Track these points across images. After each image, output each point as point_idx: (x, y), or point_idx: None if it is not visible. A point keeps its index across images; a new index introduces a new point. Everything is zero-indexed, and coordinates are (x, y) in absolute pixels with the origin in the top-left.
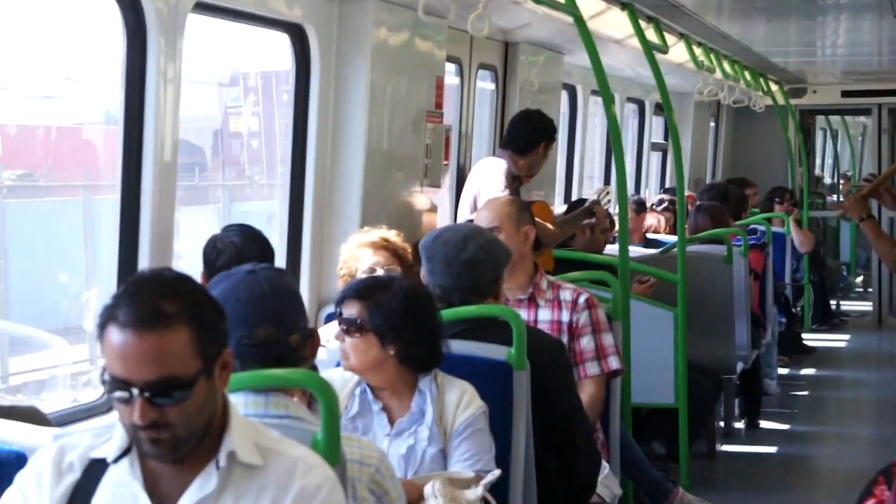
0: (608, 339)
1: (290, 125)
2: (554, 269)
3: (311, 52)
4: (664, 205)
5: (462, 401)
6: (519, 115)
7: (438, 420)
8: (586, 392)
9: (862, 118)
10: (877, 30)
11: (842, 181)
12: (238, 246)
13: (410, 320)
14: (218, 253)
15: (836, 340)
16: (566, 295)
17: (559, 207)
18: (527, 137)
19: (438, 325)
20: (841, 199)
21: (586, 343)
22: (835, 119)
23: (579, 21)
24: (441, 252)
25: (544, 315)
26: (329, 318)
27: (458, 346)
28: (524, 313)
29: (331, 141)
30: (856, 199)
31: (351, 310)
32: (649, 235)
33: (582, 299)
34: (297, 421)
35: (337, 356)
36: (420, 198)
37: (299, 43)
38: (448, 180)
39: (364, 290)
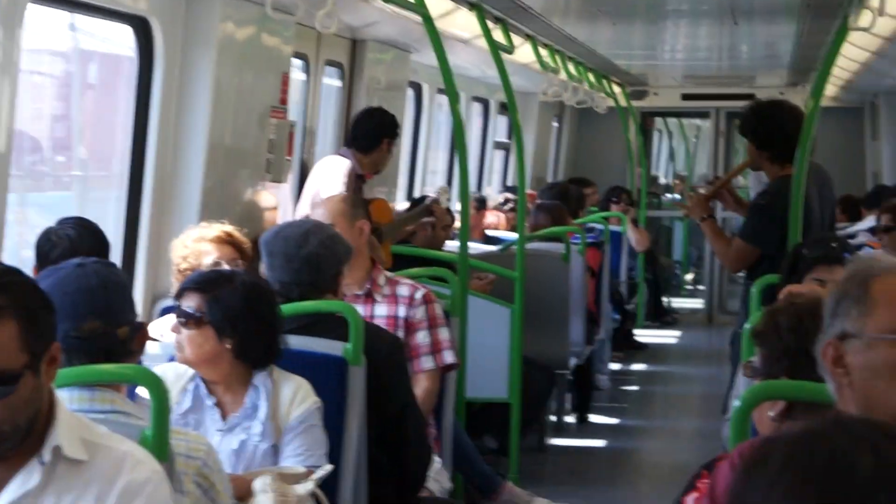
0: (444, 334)
1: (130, 118)
2: (395, 265)
3: (155, 45)
4: (510, 204)
5: (297, 396)
6: (362, 112)
7: (272, 415)
8: (420, 386)
9: (697, 120)
10: (717, 35)
11: (676, 181)
12: (73, 239)
13: (249, 315)
14: (52, 246)
15: (668, 337)
16: (403, 290)
17: (402, 204)
18: (370, 135)
19: (278, 322)
20: (677, 197)
21: (422, 338)
22: (671, 121)
23: (427, 20)
24: (282, 247)
25: (381, 310)
26: (164, 312)
27: (296, 342)
28: (361, 309)
29: (173, 135)
30: (700, 199)
31: (190, 302)
32: (489, 233)
33: (419, 295)
34: (124, 416)
35: (171, 351)
36: (262, 193)
37: (143, 36)
38: (291, 176)
39: (205, 283)
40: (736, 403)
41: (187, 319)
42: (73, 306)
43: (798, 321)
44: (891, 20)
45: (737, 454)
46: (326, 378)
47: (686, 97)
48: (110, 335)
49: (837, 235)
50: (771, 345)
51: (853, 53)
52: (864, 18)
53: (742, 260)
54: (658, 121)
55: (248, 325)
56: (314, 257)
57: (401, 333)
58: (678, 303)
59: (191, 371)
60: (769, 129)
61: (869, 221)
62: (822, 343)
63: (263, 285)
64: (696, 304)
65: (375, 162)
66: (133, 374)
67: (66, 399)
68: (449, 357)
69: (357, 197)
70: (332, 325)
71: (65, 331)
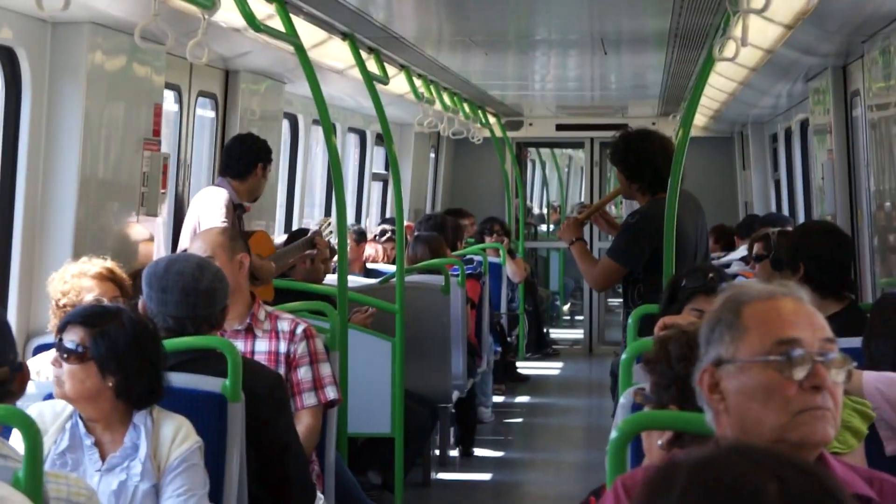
0: (326, 370)
1: None
2: (275, 299)
3: (21, 76)
4: (387, 235)
5: (178, 436)
6: (233, 139)
7: (153, 455)
8: (303, 423)
9: (569, 150)
10: (587, 65)
11: (551, 211)
12: None
13: (136, 353)
14: None
15: (550, 368)
16: (284, 325)
17: (280, 237)
18: (243, 160)
19: (162, 361)
20: (551, 227)
21: (304, 373)
22: (544, 150)
23: (300, 50)
24: (178, 282)
25: (262, 346)
26: (38, 350)
27: (176, 379)
28: (241, 344)
29: (42, 167)
30: (571, 223)
31: (73, 336)
32: (369, 265)
33: (300, 329)
34: (2, 458)
35: (46, 389)
36: (136, 227)
37: (9, 66)
38: (166, 209)
39: (91, 317)
40: (613, 434)
41: (69, 354)
42: None
43: (688, 349)
44: (755, 51)
45: (620, 484)
46: (206, 415)
47: (560, 127)
48: None
49: (715, 266)
50: (661, 373)
51: (721, 84)
52: (729, 49)
53: (608, 278)
54: (531, 151)
55: (133, 363)
56: (211, 291)
57: (282, 369)
58: (557, 334)
59: (69, 409)
60: (639, 159)
61: (742, 251)
62: (699, 371)
63: (148, 323)
64: (576, 334)
65: (252, 189)
66: (3, 414)
67: None
68: (331, 393)
69: (235, 230)
70: (212, 362)
71: None
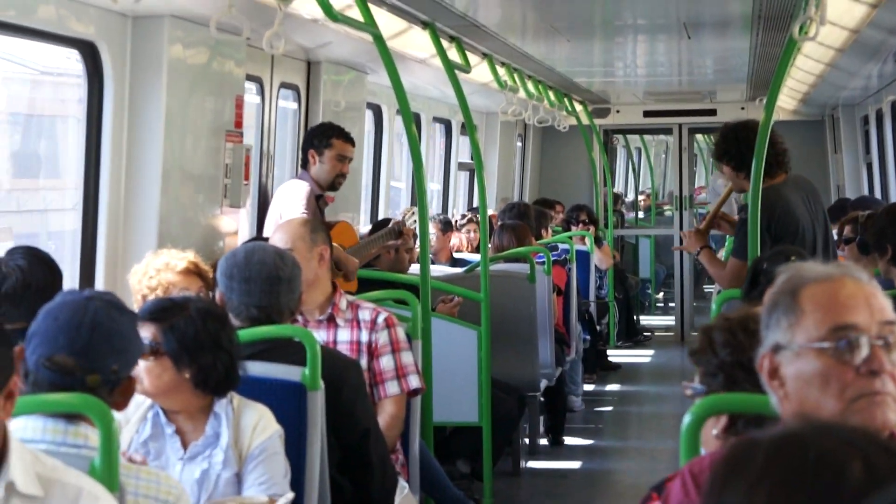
0: (408, 358)
1: (82, 143)
2: (359, 289)
3: (103, 69)
4: (467, 219)
5: (258, 424)
6: (305, 134)
7: (234, 444)
8: (386, 412)
9: (663, 137)
10: (675, 51)
11: (642, 198)
12: (24, 269)
13: (207, 343)
14: (3, 277)
15: (641, 356)
16: (365, 315)
17: (365, 227)
18: (304, 150)
19: (235, 348)
20: (641, 214)
21: (386, 362)
22: (632, 137)
23: (378, 39)
24: (260, 272)
25: (343, 335)
26: None
27: (254, 368)
28: (324, 334)
29: (125, 160)
30: (694, 233)
31: (145, 333)
32: (456, 255)
33: (381, 318)
34: (97, 452)
35: None
36: (220, 218)
37: (91, 60)
38: (250, 201)
39: (159, 312)
40: (686, 419)
41: (143, 350)
42: (54, 335)
43: (731, 335)
44: (840, 31)
45: (687, 471)
46: (286, 404)
47: (648, 114)
48: (76, 376)
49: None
50: (707, 361)
51: (808, 66)
52: (810, 30)
53: (737, 278)
54: (619, 137)
55: (205, 354)
56: (292, 278)
57: (364, 358)
58: (649, 321)
59: (149, 399)
60: (742, 150)
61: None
62: (759, 356)
63: (218, 311)
64: (668, 321)
65: (319, 177)
66: (79, 402)
67: (39, 429)
68: (414, 381)
69: (317, 221)
70: (290, 351)
71: (39, 355)
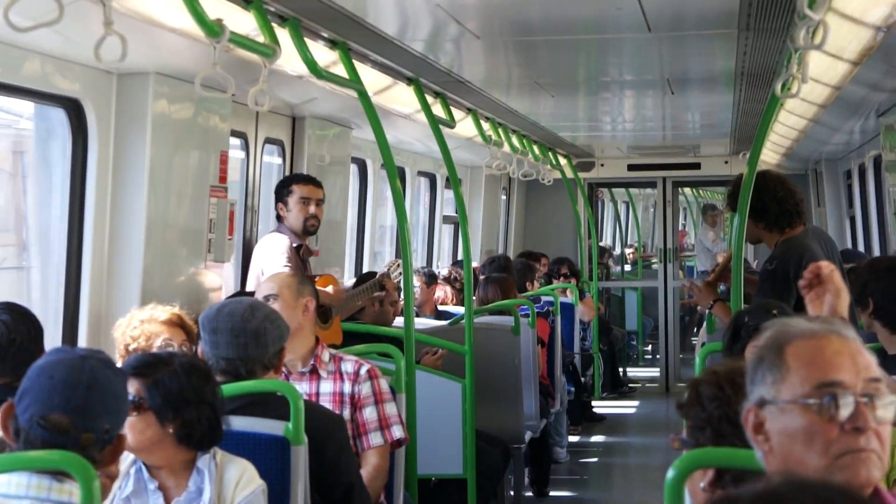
0: (391, 409)
1: (65, 200)
2: (343, 342)
3: (88, 126)
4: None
5: (241, 479)
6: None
7: (217, 499)
8: (370, 463)
9: (649, 190)
10: (659, 106)
11: (630, 251)
12: (8, 325)
13: (191, 398)
14: None
15: (626, 407)
16: (348, 367)
17: (350, 281)
18: (276, 204)
19: (219, 402)
20: (628, 267)
21: (369, 413)
22: (621, 191)
23: (363, 95)
24: (227, 323)
25: (326, 387)
26: None
27: (237, 423)
28: (306, 386)
29: (109, 216)
30: (705, 287)
31: (129, 388)
32: (440, 307)
33: (363, 370)
34: None
35: None
36: (205, 273)
37: (76, 117)
38: (234, 256)
39: (143, 367)
40: (669, 473)
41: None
42: (49, 394)
43: (719, 389)
44: (823, 88)
45: None
46: (269, 459)
47: (632, 167)
48: (71, 436)
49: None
50: (695, 415)
51: (792, 121)
52: (794, 86)
53: None
54: (604, 190)
55: (190, 408)
56: (261, 331)
57: (347, 410)
58: (635, 373)
59: (132, 455)
60: (762, 199)
61: None
62: (744, 410)
63: (201, 365)
64: (652, 373)
65: (293, 227)
66: (60, 459)
67: (24, 485)
68: (398, 432)
69: (305, 275)
70: (273, 405)
71: (32, 413)
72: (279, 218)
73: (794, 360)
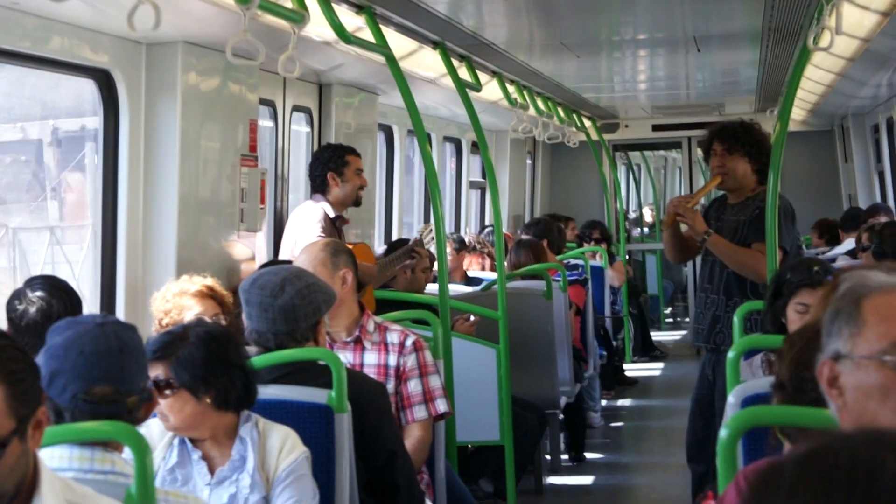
0: (435, 382)
1: (99, 171)
2: (377, 310)
3: (118, 97)
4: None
5: (284, 446)
6: (311, 157)
7: (260, 467)
8: (413, 436)
9: (662, 152)
10: (682, 65)
11: (648, 210)
12: (46, 299)
13: (217, 365)
14: (25, 307)
15: (657, 370)
16: (393, 337)
17: (379, 248)
18: (317, 176)
19: (246, 361)
20: (646, 230)
21: (413, 387)
22: (634, 154)
23: (391, 60)
24: (257, 297)
25: (371, 358)
26: None
27: (279, 391)
28: (350, 356)
29: (142, 187)
30: (696, 214)
31: (156, 371)
32: (470, 273)
33: (409, 342)
34: (123, 477)
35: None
36: (237, 243)
37: (106, 88)
38: (266, 225)
39: (161, 348)
40: (722, 433)
41: (160, 389)
42: (87, 368)
43: (789, 345)
44: (850, 40)
45: (742, 476)
46: (312, 427)
47: (657, 128)
48: (119, 402)
49: (820, 259)
50: (777, 372)
51: (818, 76)
52: (824, 39)
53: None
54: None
55: (219, 375)
56: (290, 308)
57: (391, 382)
58: (660, 337)
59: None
60: (764, 144)
61: (847, 244)
62: (819, 363)
63: (220, 331)
64: (678, 336)
65: (339, 199)
66: (114, 430)
67: (66, 457)
68: (442, 406)
69: (338, 244)
70: (314, 374)
71: (74, 391)
72: (320, 188)
73: (871, 314)
